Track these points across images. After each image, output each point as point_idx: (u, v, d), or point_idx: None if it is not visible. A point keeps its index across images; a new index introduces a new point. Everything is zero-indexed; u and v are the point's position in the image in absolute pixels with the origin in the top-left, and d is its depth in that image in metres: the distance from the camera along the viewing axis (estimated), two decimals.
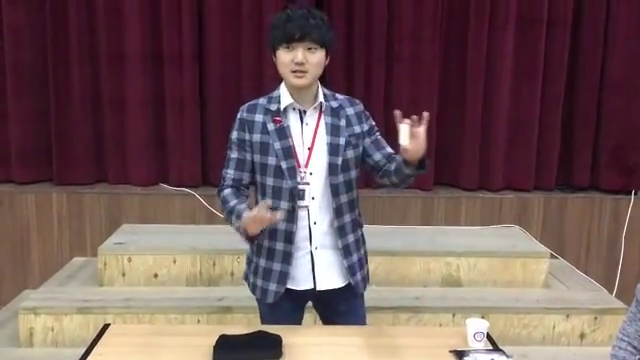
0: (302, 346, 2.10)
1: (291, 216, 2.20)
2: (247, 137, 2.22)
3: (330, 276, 2.28)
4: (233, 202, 2.19)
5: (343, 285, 2.29)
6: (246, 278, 2.40)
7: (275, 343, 2.06)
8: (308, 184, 2.21)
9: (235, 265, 3.66)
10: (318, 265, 2.26)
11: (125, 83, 4.31)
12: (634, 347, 1.93)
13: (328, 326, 2.25)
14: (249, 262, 2.37)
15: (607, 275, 4.34)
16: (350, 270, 2.28)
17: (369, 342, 2.15)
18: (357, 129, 2.27)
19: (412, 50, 4.32)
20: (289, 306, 2.30)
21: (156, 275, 3.64)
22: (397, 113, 1.98)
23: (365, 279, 2.37)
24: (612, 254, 4.40)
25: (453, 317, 3.42)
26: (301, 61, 2.12)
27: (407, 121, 1.97)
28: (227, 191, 2.25)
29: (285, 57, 2.15)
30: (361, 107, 2.33)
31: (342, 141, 2.22)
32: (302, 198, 2.20)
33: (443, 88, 4.45)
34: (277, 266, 2.24)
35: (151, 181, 4.40)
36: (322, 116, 2.24)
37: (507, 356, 2.03)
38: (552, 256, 3.95)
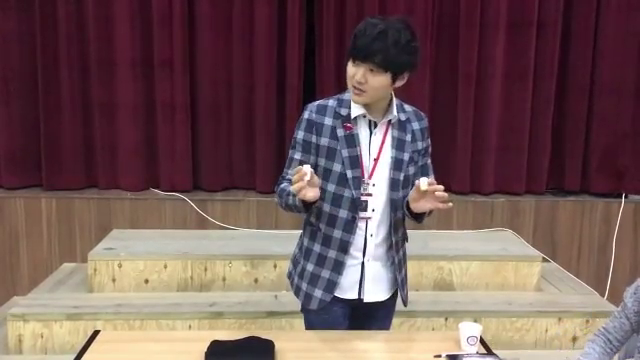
0: (294, 351, 2.09)
1: (350, 226, 2.16)
2: (314, 140, 2.14)
3: (378, 289, 2.26)
4: (290, 187, 2.09)
5: (387, 298, 2.30)
6: (289, 276, 2.36)
7: (267, 348, 2.05)
8: (370, 195, 2.16)
9: (227, 270, 3.64)
10: (367, 277, 2.23)
11: (115, 89, 4.29)
12: (607, 339, 2.08)
13: (321, 331, 2.23)
14: (296, 263, 2.32)
15: (598, 278, 4.36)
16: (401, 284, 2.30)
17: (361, 347, 2.14)
18: (419, 145, 2.24)
19: None
20: (340, 311, 2.26)
21: (147, 281, 3.62)
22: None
23: (407, 293, 2.38)
24: (603, 257, 4.42)
25: (446, 321, 3.42)
26: (360, 81, 2.06)
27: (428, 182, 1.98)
28: (284, 184, 2.17)
29: (349, 71, 2.09)
30: (426, 122, 2.29)
31: (406, 157, 2.19)
32: (364, 209, 2.16)
33: (434, 92, 4.46)
34: (326, 273, 2.20)
35: (141, 186, 4.38)
36: (390, 129, 2.18)
37: None
38: (544, 259, 3.96)
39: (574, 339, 3.49)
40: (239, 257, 3.67)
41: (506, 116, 4.47)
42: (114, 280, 3.59)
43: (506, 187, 4.52)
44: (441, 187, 1.97)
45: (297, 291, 2.29)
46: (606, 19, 4.40)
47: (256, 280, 3.66)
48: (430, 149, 2.31)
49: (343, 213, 2.15)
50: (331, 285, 2.20)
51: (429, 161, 2.31)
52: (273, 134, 4.38)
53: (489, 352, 2.13)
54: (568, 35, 4.45)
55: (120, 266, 3.59)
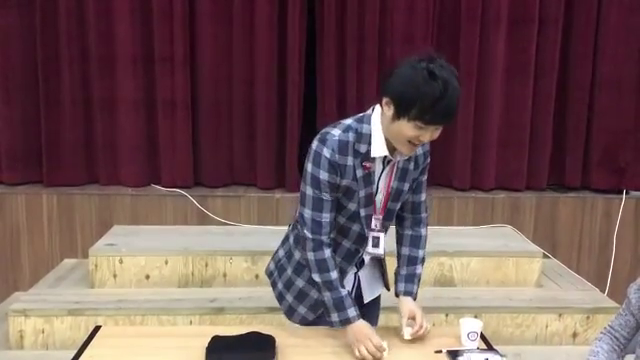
0: (295, 346, 2.10)
1: (352, 257, 2.18)
2: (337, 180, 2.02)
3: (373, 287, 2.33)
4: (336, 281, 2.06)
5: (381, 291, 2.36)
6: (270, 276, 2.35)
7: (268, 343, 2.05)
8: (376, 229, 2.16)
9: (227, 266, 3.65)
10: (363, 284, 2.28)
11: (116, 85, 4.29)
12: (614, 336, 2.08)
13: (321, 327, 2.23)
14: (281, 269, 2.29)
15: (599, 274, 4.36)
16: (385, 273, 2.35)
17: None
18: (420, 169, 2.16)
19: (404, 51, 4.31)
20: None
21: (148, 276, 3.62)
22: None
23: (388, 277, 2.41)
24: (604, 253, 4.42)
25: (446, 317, 3.42)
26: (427, 141, 1.96)
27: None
28: (328, 253, 2.06)
29: (410, 132, 1.90)
30: (428, 145, 2.13)
31: (406, 187, 2.14)
32: (367, 243, 2.17)
33: None
34: (315, 294, 2.16)
35: (142, 182, 4.38)
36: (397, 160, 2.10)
37: (501, 355, 2.03)
38: (544, 256, 3.96)
39: (574, 335, 3.49)
40: (240, 253, 3.67)
41: (507, 112, 4.47)
42: (115, 276, 3.60)
43: (507, 183, 4.52)
44: (422, 331, 2.13)
45: (279, 298, 2.29)
46: (607, 16, 4.39)
47: (257, 276, 3.66)
48: (427, 168, 2.22)
49: (347, 244, 2.16)
50: (318, 305, 2.17)
51: (424, 178, 2.22)
52: (274, 130, 4.38)
53: (489, 348, 2.14)
54: (569, 32, 4.45)
55: (121, 262, 3.59)
